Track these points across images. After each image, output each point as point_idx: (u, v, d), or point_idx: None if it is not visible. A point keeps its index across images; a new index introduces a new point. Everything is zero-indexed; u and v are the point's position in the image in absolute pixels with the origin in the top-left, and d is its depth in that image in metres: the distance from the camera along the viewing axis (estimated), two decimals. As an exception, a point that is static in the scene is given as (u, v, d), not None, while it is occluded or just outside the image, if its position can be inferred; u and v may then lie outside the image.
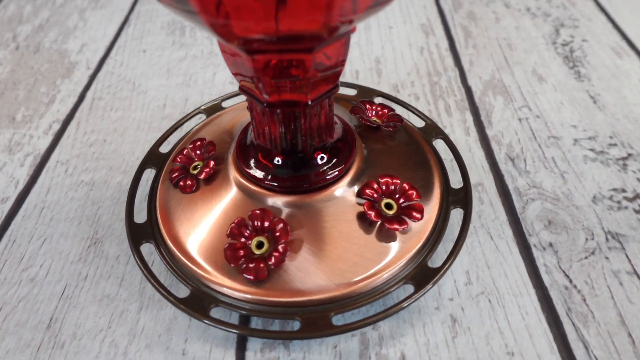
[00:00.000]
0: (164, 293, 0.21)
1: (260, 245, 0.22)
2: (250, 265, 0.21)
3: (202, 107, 0.31)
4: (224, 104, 0.32)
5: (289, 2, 0.15)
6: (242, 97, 0.33)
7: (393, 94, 0.35)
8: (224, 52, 0.20)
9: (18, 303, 0.24)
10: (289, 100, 0.20)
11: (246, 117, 0.29)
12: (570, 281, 0.24)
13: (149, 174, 0.29)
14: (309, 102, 0.20)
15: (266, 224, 0.22)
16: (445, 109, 0.34)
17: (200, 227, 0.23)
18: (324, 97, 0.20)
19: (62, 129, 0.34)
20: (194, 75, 0.38)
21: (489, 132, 0.32)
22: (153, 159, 0.28)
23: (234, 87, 0.37)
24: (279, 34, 0.16)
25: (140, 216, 0.26)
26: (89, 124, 0.34)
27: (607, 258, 0.25)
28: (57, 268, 0.26)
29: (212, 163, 0.25)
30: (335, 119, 0.25)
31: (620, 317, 0.23)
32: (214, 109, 0.31)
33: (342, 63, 0.20)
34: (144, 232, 0.24)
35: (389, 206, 0.23)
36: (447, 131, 0.32)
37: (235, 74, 0.21)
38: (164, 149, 0.29)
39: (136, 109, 0.35)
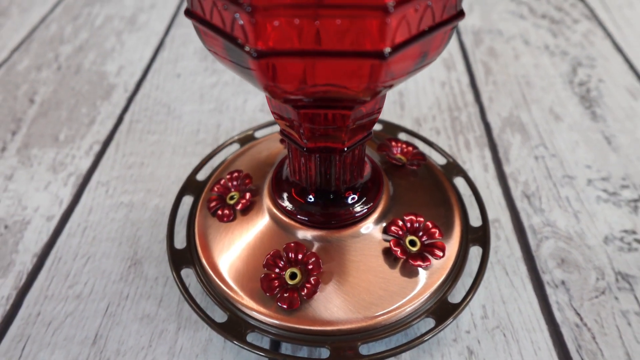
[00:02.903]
0: (205, 318, 0.23)
1: (293, 276, 0.24)
2: (285, 295, 0.23)
3: (236, 137, 0.33)
4: (257, 134, 0.34)
5: (333, 70, 0.16)
6: (274, 128, 0.35)
7: (415, 127, 0.37)
8: (268, 97, 0.22)
9: (65, 318, 0.26)
10: (326, 146, 0.22)
11: (279, 148, 0.30)
12: (581, 319, 0.26)
13: (186, 199, 0.31)
14: (345, 149, 0.22)
15: (299, 256, 0.24)
16: (465, 145, 0.36)
17: (237, 255, 0.25)
18: (359, 144, 0.22)
19: (102, 150, 0.36)
20: (226, 101, 0.40)
21: (507, 169, 0.34)
22: (191, 186, 0.30)
23: (264, 114, 0.39)
24: (323, 96, 0.18)
25: (177, 239, 0.28)
26: (127, 146, 0.37)
27: (616, 298, 0.26)
28: (101, 286, 0.28)
29: (248, 195, 0.27)
30: (365, 158, 0.26)
31: (627, 356, 0.24)
32: (247, 139, 0.33)
33: (378, 111, 0.22)
34: (184, 258, 0.26)
35: (412, 243, 0.25)
36: (466, 167, 0.34)
37: (275, 116, 0.23)
38: (200, 175, 0.31)
39: (171, 133, 0.38)
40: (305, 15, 0.13)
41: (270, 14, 0.14)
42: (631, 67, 0.42)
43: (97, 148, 0.37)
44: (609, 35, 0.46)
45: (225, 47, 0.16)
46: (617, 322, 0.25)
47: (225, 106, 0.40)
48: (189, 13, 0.17)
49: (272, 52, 0.15)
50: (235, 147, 0.33)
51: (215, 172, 0.30)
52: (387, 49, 0.14)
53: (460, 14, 0.16)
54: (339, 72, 0.16)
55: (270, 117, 0.38)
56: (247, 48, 0.15)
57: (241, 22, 0.15)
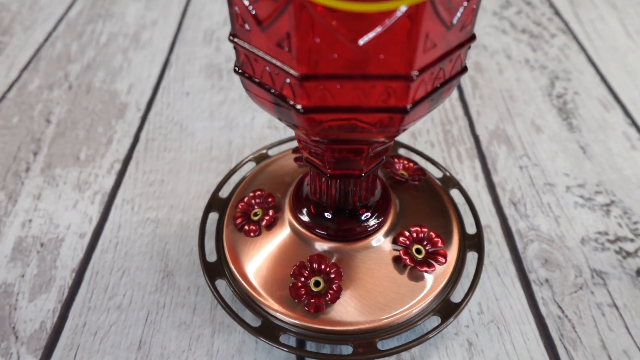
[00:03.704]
0: (242, 323, 0.26)
1: (317, 284, 0.27)
2: (312, 301, 0.26)
3: (251, 156, 0.36)
4: (270, 152, 0.37)
5: (362, 124, 0.20)
6: (285, 146, 0.38)
7: (412, 140, 0.41)
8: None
9: (110, 327, 0.29)
10: (346, 173, 0.25)
11: (294, 166, 0.34)
12: (563, 312, 0.30)
13: (210, 215, 0.34)
14: (363, 174, 0.25)
15: (322, 266, 0.27)
16: (457, 156, 0.39)
17: (265, 266, 0.28)
18: (375, 168, 0.26)
19: (123, 168, 0.39)
20: (235, 118, 0.43)
21: (495, 179, 0.38)
22: (215, 204, 0.33)
23: (271, 131, 0.42)
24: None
25: (206, 252, 0.31)
26: (146, 164, 0.39)
27: (592, 292, 0.31)
28: (138, 297, 0.31)
29: (271, 212, 0.30)
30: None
31: (602, 342, 0.28)
32: (261, 157, 0.36)
33: (391, 141, 0.25)
34: (217, 270, 0.29)
35: (418, 251, 0.28)
36: (459, 177, 0.38)
37: (301, 145, 0.26)
38: (222, 193, 0.34)
39: (186, 151, 0.40)
40: (346, 83, 0.17)
41: (315, 82, 0.17)
42: (602, 79, 0.47)
43: (117, 166, 0.39)
44: (582, 48, 0.50)
45: (272, 103, 0.19)
46: (592, 314, 0.30)
47: (235, 123, 0.43)
48: (239, 72, 0.20)
49: (315, 108, 0.18)
50: (251, 165, 0.36)
51: (237, 190, 0.33)
52: (409, 105, 0.18)
53: (464, 70, 0.20)
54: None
55: (277, 134, 0.41)
56: (293, 104, 0.18)
57: (289, 83, 0.18)
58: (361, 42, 0.16)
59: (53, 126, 0.43)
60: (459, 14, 0.17)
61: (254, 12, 0.17)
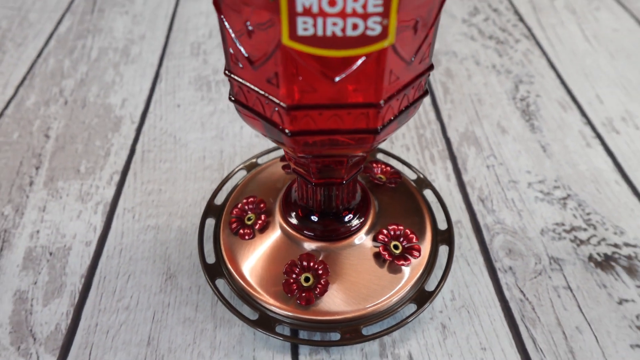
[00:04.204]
0: (242, 317, 0.30)
1: (307, 279, 0.30)
2: (303, 295, 0.30)
3: (242, 165, 0.39)
4: (259, 161, 0.40)
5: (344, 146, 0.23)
6: (273, 154, 0.41)
7: (389, 145, 0.44)
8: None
9: (120, 326, 0.32)
10: (329, 181, 0.29)
11: (282, 173, 0.37)
12: (524, 295, 0.34)
13: (207, 220, 0.37)
14: (344, 181, 0.29)
15: (311, 264, 0.31)
16: (430, 158, 0.43)
17: (259, 265, 0.32)
18: (355, 175, 0.29)
19: (122, 179, 0.42)
20: (225, 128, 0.46)
21: (465, 178, 0.41)
22: (211, 210, 0.36)
23: (260, 139, 0.45)
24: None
25: (205, 255, 0.34)
26: (144, 175, 0.42)
27: (550, 277, 0.35)
28: (145, 298, 0.34)
29: (263, 216, 0.33)
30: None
31: (557, 320, 0.32)
32: (252, 166, 0.39)
33: (367, 155, 0.29)
34: (216, 271, 0.32)
35: (396, 247, 0.32)
36: (432, 177, 0.41)
37: (287, 156, 0.29)
38: (217, 200, 0.38)
39: (181, 161, 0.43)
40: (325, 112, 0.20)
41: (300, 111, 0.20)
42: (562, 82, 0.51)
43: (117, 178, 0.42)
44: (544, 53, 0.55)
45: (263, 125, 0.22)
46: (550, 296, 0.34)
47: (225, 133, 0.46)
48: (233, 100, 0.23)
49: (301, 132, 0.21)
50: (242, 173, 0.39)
51: (231, 197, 0.36)
52: (379, 127, 0.21)
53: (426, 93, 0.24)
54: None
55: (265, 143, 0.45)
56: (282, 128, 0.22)
57: (278, 111, 0.21)
58: (337, 79, 0.19)
59: (52, 141, 0.45)
60: (417, 52, 0.20)
61: (246, 55, 0.20)
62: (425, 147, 0.44)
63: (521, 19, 0.60)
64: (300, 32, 0.17)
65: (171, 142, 0.45)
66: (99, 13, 0.62)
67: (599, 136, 0.45)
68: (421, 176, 0.38)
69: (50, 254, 0.37)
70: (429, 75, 0.23)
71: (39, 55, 0.55)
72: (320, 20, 0.17)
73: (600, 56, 0.54)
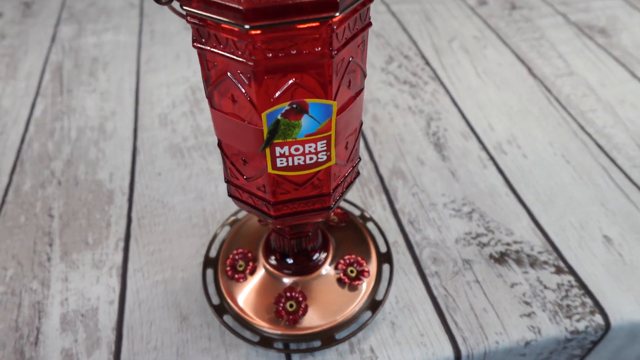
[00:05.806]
0: (246, 340, 0.41)
1: (291, 305, 0.42)
2: (290, 317, 0.41)
3: (226, 222, 0.50)
4: (239, 215, 0.51)
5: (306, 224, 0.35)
6: (247, 208, 0.52)
7: (336, 187, 0.56)
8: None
9: (153, 363, 0.42)
10: (300, 234, 0.40)
11: (259, 226, 0.48)
12: (447, 291, 0.47)
13: (207, 271, 0.47)
14: (310, 233, 0.40)
15: (293, 294, 0.42)
16: (369, 193, 0.56)
17: (253, 299, 0.43)
18: (317, 227, 0.41)
19: (126, 245, 0.51)
20: (202, 189, 0.57)
21: (397, 206, 0.54)
22: (208, 262, 0.47)
23: (233, 195, 0.56)
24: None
25: (211, 297, 0.45)
26: (144, 238, 0.52)
27: (464, 275, 0.48)
28: (167, 338, 0.44)
29: (251, 263, 0.44)
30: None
31: (470, 306, 0.46)
32: (234, 221, 0.50)
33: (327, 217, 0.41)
34: (222, 309, 0.43)
35: (352, 271, 0.44)
36: (372, 209, 0.54)
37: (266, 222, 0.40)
38: (211, 253, 0.48)
39: (172, 222, 0.53)
40: (296, 203, 0.32)
41: (280, 205, 0.32)
42: (462, 115, 0.65)
43: (121, 244, 0.51)
44: (447, 91, 0.69)
45: (252, 211, 0.34)
46: (465, 289, 0.47)
47: (204, 193, 0.56)
48: (231, 196, 0.34)
49: (281, 216, 0.33)
50: (227, 228, 0.50)
51: (222, 250, 0.47)
52: (332, 204, 0.33)
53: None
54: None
55: (238, 197, 0.55)
56: (269, 214, 0.33)
57: (265, 204, 0.32)
58: (302, 186, 0.31)
59: (57, 219, 0.54)
60: (348, 159, 0.32)
61: (240, 172, 0.31)
62: (365, 184, 0.57)
63: (427, 63, 0.74)
64: (279, 165, 0.29)
65: (160, 207, 0.55)
66: (68, 93, 0.70)
67: (492, 158, 0.60)
68: (364, 213, 0.50)
69: (82, 315, 0.46)
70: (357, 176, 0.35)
71: (22, 142, 0.63)
72: (290, 158, 0.29)
73: (489, 89, 0.69)
